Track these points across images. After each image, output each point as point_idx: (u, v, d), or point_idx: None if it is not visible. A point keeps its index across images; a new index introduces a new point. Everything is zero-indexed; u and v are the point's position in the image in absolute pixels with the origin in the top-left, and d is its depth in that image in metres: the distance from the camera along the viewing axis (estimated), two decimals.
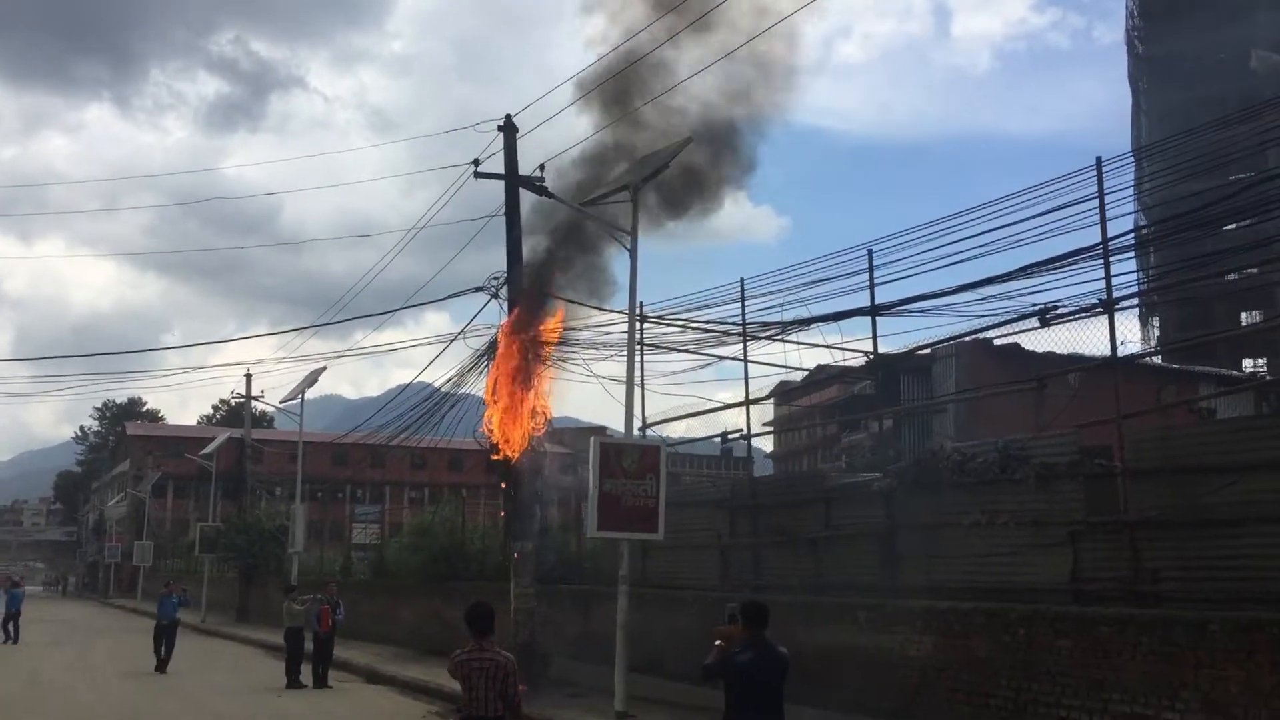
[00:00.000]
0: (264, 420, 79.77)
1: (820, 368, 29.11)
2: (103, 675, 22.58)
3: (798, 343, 17.13)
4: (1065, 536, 11.14)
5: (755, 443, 28.16)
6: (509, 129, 21.10)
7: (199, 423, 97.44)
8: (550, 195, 16.84)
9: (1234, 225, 19.16)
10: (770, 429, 37.73)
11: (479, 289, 20.86)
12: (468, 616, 7.20)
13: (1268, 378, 22.50)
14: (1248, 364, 41.88)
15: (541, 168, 20.86)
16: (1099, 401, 18.94)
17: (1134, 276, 16.83)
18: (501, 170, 21.04)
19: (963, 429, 19.20)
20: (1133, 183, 14.73)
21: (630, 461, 15.44)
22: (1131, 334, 30.99)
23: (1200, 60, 54.93)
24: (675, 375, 22.81)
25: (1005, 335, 14.66)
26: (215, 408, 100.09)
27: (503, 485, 20.27)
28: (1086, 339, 15.64)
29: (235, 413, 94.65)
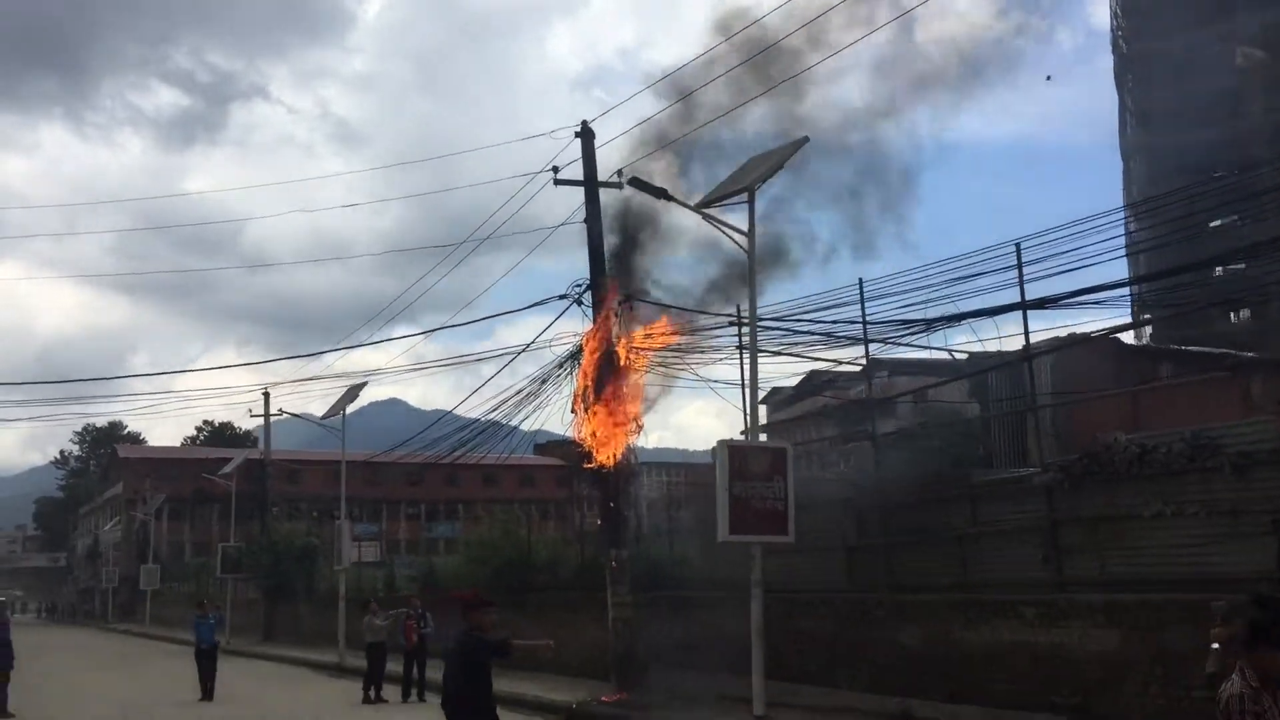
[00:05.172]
0: (248, 440, 78.58)
1: (814, 373, 28.86)
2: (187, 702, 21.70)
3: (925, 345, 17.02)
4: (1268, 524, 11.10)
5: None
6: (586, 135, 20.94)
7: (183, 444, 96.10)
8: (668, 197, 16.63)
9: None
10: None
11: (563, 296, 20.65)
12: None
13: None
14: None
15: (619, 173, 20.75)
16: (1188, 396, 18.95)
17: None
18: (580, 176, 20.91)
19: (1060, 428, 19.13)
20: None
21: (758, 464, 15.34)
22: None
23: (1185, 57, 55.60)
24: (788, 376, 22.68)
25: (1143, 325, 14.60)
26: (198, 428, 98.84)
27: (596, 491, 20.10)
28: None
29: (218, 433, 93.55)
